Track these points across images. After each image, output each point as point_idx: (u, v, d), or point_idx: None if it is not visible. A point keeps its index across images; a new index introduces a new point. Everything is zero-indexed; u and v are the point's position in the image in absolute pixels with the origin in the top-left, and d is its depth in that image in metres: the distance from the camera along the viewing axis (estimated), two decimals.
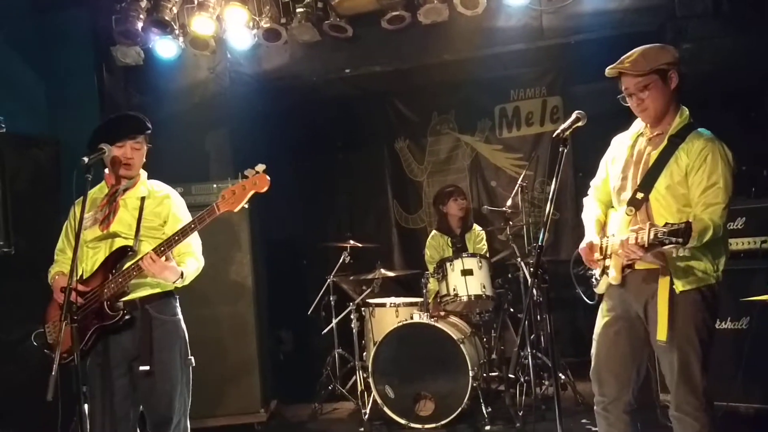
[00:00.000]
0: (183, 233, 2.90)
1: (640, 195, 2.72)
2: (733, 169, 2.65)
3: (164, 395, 2.99)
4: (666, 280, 2.66)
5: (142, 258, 2.87)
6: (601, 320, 2.92)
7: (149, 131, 3.16)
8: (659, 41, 4.83)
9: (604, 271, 2.83)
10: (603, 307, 2.93)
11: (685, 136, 2.71)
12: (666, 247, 2.41)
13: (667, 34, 4.79)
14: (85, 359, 2.93)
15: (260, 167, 2.89)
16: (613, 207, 2.95)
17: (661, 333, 2.66)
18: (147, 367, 2.92)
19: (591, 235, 2.90)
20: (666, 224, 2.39)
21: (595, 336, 2.94)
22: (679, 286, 2.65)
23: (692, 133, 2.71)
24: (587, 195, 3.12)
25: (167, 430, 2.99)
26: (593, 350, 2.93)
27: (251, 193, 2.89)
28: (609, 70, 2.78)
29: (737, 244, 3.96)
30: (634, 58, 2.72)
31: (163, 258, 2.87)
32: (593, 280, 2.91)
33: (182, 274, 2.97)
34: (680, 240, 2.35)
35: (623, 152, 2.89)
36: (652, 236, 2.41)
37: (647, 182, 2.72)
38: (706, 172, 2.61)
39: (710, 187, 2.60)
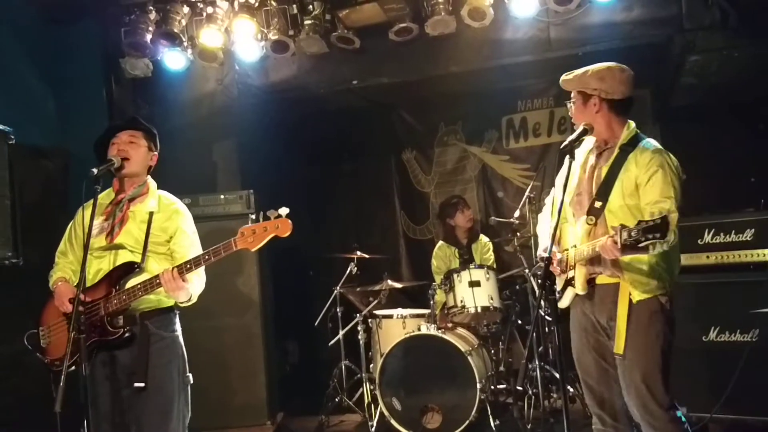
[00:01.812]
0: (196, 263, 2.86)
1: (598, 204, 2.78)
2: (681, 180, 2.71)
3: (157, 412, 2.94)
4: (625, 293, 2.72)
5: (161, 274, 2.84)
6: (573, 335, 2.97)
7: (152, 135, 3.18)
8: (667, 53, 4.92)
9: (568, 284, 2.88)
10: (572, 322, 2.98)
11: (634, 144, 2.80)
12: (642, 244, 2.42)
13: (674, 46, 4.79)
14: (81, 370, 2.90)
15: (284, 211, 2.79)
16: (567, 222, 3.00)
17: (618, 346, 2.72)
18: (142, 384, 2.88)
19: (545, 243, 2.95)
20: (639, 222, 2.42)
21: (575, 350, 2.98)
22: (636, 295, 2.71)
23: (640, 144, 2.79)
24: (541, 211, 3.23)
25: None
26: (577, 363, 2.98)
27: (271, 235, 2.80)
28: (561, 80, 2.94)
29: (747, 256, 3.93)
30: (573, 73, 2.90)
31: (180, 279, 2.85)
32: (557, 295, 2.94)
33: (191, 297, 2.97)
34: (657, 235, 2.36)
35: (576, 169, 2.95)
36: (625, 236, 2.43)
37: (602, 193, 2.78)
38: (657, 183, 2.67)
39: (664, 197, 2.64)
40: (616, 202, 2.74)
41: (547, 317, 4.84)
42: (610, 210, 2.75)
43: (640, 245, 2.43)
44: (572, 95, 2.93)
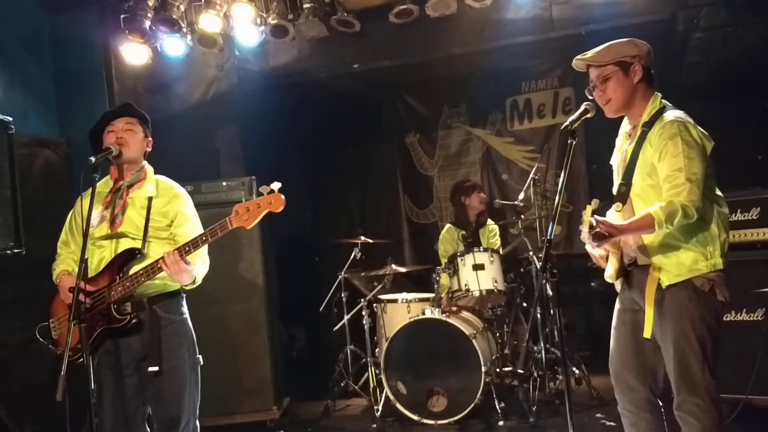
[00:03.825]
0: (194, 245, 2.86)
1: (623, 188, 2.70)
2: (701, 146, 2.58)
3: (173, 395, 2.98)
4: (654, 275, 2.62)
5: (161, 258, 2.84)
6: (615, 313, 2.88)
7: (146, 121, 3.17)
8: (671, 31, 4.86)
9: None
10: (617, 300, 2.88)
11: (653, 122, 2.68)
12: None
13: (678, 24, 4.73)
14: (93, 358, 2.92)
15: (275, 185, 2.77)
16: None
17: (647, 330, 2.63)
18: (156, 368, 2.90)
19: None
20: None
21: (612, 330, 2.89)
22: (665, 280, 2.60)
23: (659, 119, 2.67)
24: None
25: (177, 430, 2.98)
26: (611, 345, 2.88)
27: (265, 212, 2.79)
28: (576, 62, 2.78)
29: (753, 234, 3.88)
30: (599, 50, 2.73)
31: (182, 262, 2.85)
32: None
33: (195, 279, 2.97)
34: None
35: (617, 155, 2.88)
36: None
37: (627, 176, 2.70)
38: (668, 157, 2.55)
39: (674, 170, 2.53)
40: (638, 184, 2.66)
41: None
42: (636, 193, 2.67)
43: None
44: (595, 77, 2.74)
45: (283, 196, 2.77)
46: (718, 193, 2.71)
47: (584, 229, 2.46)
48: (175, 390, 2.98)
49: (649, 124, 2.68)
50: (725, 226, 2.66)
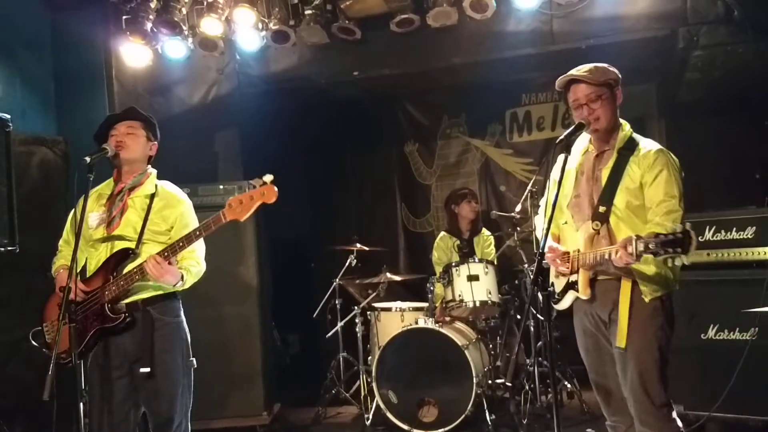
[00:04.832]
0: (188, 240, 2.87)
1: (602, 209, 2.74)
2: (682, 177, 2.72)
3: (166, 397, 2.98)
4: (627, 287, 2.69)
5: (145, 261, 2.85)
6: (580, 336, 2.95)
7: (151, 124, 3.17)
8: (671, 48, 4.87)
9: (570, 287, 2.84)
10: (576, 324, 2.96)
11: (632, 147, 2.77)
12: (661, 257, 2.39)
13: (679, 41, 4.74)
14: (85, 359, 2.92)
15: (267, 177, 2.79)
16: (566, 223, 2.97)
17: (621, 339, 2.69)
18: (148, 369, 2.90)
19: (549, 242, 2.90)
20: (658, 235, 2.36)
21: (578, 342, 2.97)
22: (648, 294, 2.68)
23: (640, 144, 2.77)
24: (537, 214, 3.21)
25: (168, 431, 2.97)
26: (583, 358, 2.96)
27: (258, 203, 2.80)
28: (562, 78, 2.83)
29: (748, 254, 3.88)
30: (590, 68, 2.79)
31: (166, 263, 2.85)
32: (554, 298, 2.91)
33: (182, 277, 2.95)
34: (678, 249, 2.31)
35: (572, 170, 2.91)
36: (641, 248, 2.39)
37: (606, 197, 2.75)
38: (662, 183, 2.66)
39: (669, 197, 2.64)
40: (621, 205, 2.72)
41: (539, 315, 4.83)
42: (616, 214, 2.72)
43: (658, 258, 2.41)
44: (584, 95, 2.78)
45: (275, 188, 2.79)
46: None
47: (618, 252, 2.49)
48: (168, 391, 2.98)
49: (626, 150, 2.76)
50: None
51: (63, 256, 3.16)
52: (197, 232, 2.87)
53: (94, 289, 2.94)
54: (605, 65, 2.83)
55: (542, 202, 3.14)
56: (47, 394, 2.47)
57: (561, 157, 2.73)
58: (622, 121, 2.86)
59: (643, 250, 2.38)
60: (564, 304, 2.90)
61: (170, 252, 2.87)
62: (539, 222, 3.16)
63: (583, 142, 2.94)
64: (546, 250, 2.86)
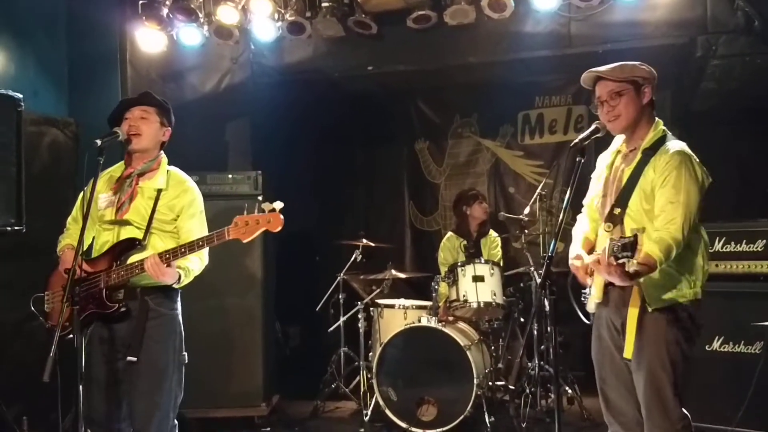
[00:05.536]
0: (190, 248, 2.88)
1: (617, 211, 2.70)
2: (701, 183, 2.62)
3: (148, 387, 2.95)
4: (637, 297, 2.63)
5: (146, 258, 2.86)
6: (593, 341, 2.91)
7: (165, 109, 3.16)
8: (689, 56, 4.83)
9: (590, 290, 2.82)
10: (593, 327, 2.92)
11: (657, 148, 2.70)
12: (619, 262, 2.37)
13: (697, 49, 4.70)
14: (83, 339, 2.90)
15: (278, 205, 2.80)
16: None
17: (628, 350, 2.64)
18: (134, 358, 2.89)
19: (576, 249, 2.89)
20: (620, 237, 2.37)
21: (592, 345, 2.92)
22: (652, 303, 2.62)
23: (666, 145, 2.69)
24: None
25: (149, 424, 2.94)
26: (594, 363, 2.92)
27: (262, 230, 2.82)
28: (587, 75, 2.79)
29: (757, 266, 3.87)
30: (612, 66, 2.75)
31: (165, 265, 2.85)
32: (584, 299, 2.87)
33: (180, 277, 2.95)
34: (627, 254, 2.30)
35: (603, 170, 2.89)
36: (609, 251, 2.38)
37: (622, 199, 2.71)
38: (668, 187, 2.59)
39: (671, 203, 2.57)
40: (634, 208, 2.67)
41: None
42: (630, 216, 2.68)
43: (618, 263, 2.39)
44: (606, 92, 2.73)
45: (282, 217, 2.81)
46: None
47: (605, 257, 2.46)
48: (151, 383, 2.95)
49: (651, 150, 2.70)
50: (707, 256, 2.73)
51: (70, 235, 3.15)
52: (200, 243, 2.88)
53: (97, 271, 2.94)
54: (636, 63, 2.75)
55: (585, 201, 3.06)
56: (47, 376, 2.46)
57: (600, 157, 2.70)
58: (657, 120, 2.78)
59: (609, 251, 2.39)
60: (590, 307, 2.85)
61: (172, 256, 2.87)
62: (580, 219, 3.08)
63: (617, 141, 2.89)
64: (573, 256, 2.85)
